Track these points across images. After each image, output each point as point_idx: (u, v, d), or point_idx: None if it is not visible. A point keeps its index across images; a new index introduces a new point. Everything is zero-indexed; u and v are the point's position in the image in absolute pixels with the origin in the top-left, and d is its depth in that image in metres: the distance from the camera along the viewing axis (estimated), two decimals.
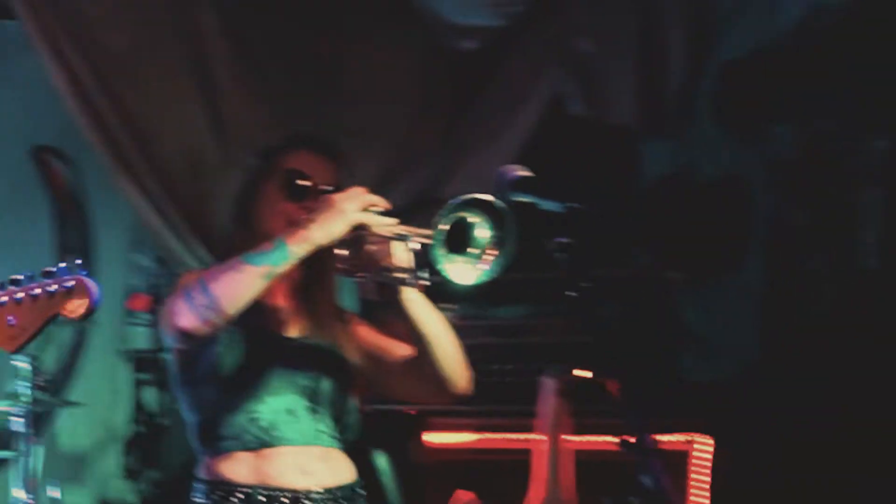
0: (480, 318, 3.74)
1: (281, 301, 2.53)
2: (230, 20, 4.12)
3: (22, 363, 3.52)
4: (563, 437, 3.33)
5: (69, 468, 4.54)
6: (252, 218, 2.50)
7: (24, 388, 3.53)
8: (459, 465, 3.64)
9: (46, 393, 3.68)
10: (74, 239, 4.71)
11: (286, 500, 2.39)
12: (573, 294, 2.00)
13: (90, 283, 2.03)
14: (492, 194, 2.17)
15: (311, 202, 2.40)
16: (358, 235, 2.33)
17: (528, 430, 3.43)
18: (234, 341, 2.41)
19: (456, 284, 2.24)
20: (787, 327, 4.02)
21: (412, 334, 2.43)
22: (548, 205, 2.03)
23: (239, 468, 2.41)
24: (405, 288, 2.36)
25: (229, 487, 2.40)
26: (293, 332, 2.53)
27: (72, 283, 2.02)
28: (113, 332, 4.73)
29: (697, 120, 4.07)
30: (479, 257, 2.24)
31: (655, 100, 3.98)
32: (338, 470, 2.49)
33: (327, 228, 2.28)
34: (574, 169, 4.04)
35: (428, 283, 2.31)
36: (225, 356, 2.40)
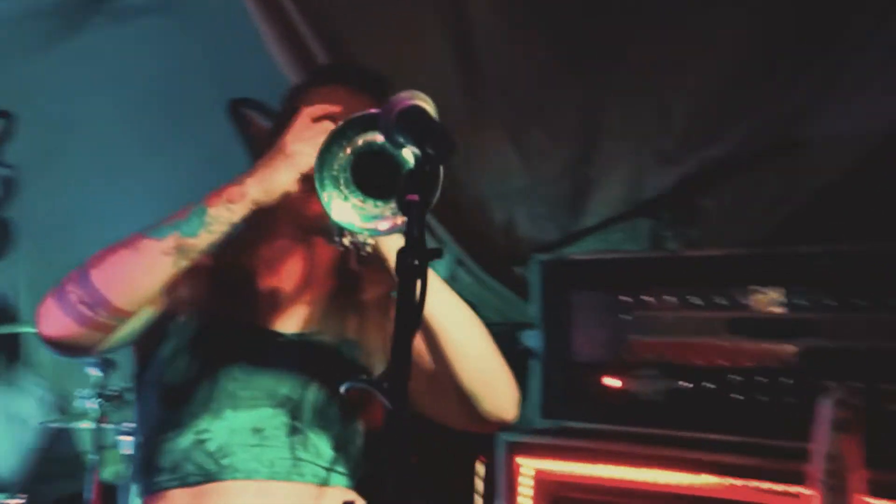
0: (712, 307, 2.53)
1: (285, 285, 1.96)
2: None
3: (92, 370, 3.14)
4: (853, 494, 2.12)
5: None
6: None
7: (89, 400, 3.17)
8: None
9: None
10: None
11: None
12: None
13: None
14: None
15: None
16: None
17: (795, 479, 2.27)
18: (188, 336, 1.83)
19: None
20: None
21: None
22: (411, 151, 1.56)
23: None
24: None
25: None
26: (290, 325, 1.94)
27: None
28: None
29: None
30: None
31: None
32: None
33: (268, 180, 1.73)
34: None
35: (369, 249, 1.72)
36: (172, 357, 1.82)
